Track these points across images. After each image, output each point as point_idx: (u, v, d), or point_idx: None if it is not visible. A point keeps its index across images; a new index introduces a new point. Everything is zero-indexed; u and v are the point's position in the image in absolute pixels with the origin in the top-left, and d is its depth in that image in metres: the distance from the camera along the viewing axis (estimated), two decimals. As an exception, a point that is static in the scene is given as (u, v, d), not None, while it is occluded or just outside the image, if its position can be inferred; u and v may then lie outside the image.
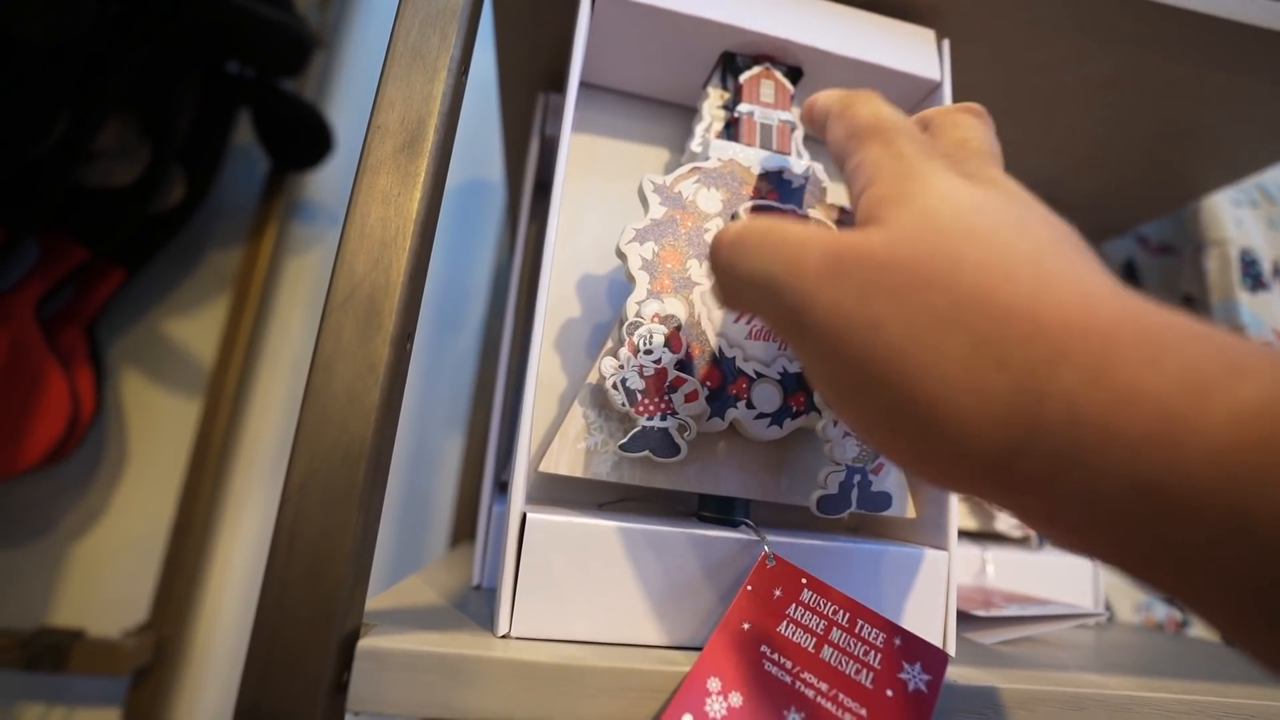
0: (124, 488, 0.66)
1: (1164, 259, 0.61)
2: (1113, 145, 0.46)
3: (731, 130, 0.33)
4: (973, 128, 0.21)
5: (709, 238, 0.29)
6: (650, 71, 0.37)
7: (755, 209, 0.30)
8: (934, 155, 0.19)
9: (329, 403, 0.22)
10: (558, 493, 0.34)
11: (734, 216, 0.30)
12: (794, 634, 0.23)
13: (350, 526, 0.21)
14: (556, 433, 0.28)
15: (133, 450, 0.67)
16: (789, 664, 0.22)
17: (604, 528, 0.25)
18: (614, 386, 0.26)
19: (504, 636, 0.24)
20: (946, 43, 0.34)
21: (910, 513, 0.30)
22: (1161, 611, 0.57)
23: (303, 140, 0.65)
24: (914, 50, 0.34)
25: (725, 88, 0.34)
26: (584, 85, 0.39)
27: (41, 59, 0.45)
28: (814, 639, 0.23)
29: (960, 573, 0.44)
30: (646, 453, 0.26)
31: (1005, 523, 0.45)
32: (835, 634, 0.23)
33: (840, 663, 0.22)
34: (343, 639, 0.21)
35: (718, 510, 0.29)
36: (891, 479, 0.29)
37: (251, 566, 0.67)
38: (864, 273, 0.17)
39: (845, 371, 0.17)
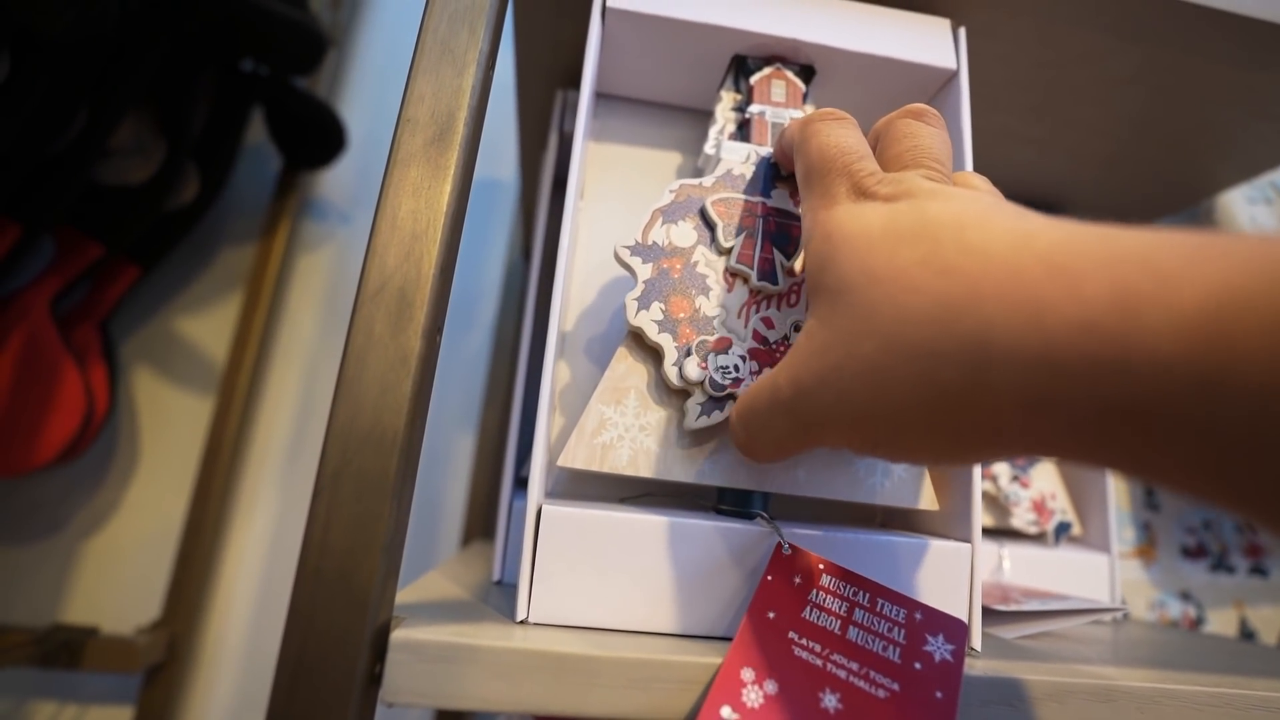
0: (137, 485, 0.66)
1: (1177, 257, 0.61)
2: (1129, 143, 0.46)
3: (744, 131, 0.33)
4: (920, 135, 0.23)
5: (702, 268, 0.29)
6: (663, 78, 0.37)
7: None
8: (851, 198, 0.21)
9: (361, 394, 0.22)
10: (582, 489, 0.34)
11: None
12: (818, 618, 0.23)
13: (384, 517, 0.21)
14: (574, 428, 0.28)
15: (145, 447, 0.67)
16: (818, 647, 0.22)
17: (616, 518, 0.25)
18: (673, 365, 0.28)
19: (521, 621, 0.24)
20: (963, 31, 0.34)
21: (932, 505, 0.30)
22: (1176, 609, 0.57)
23: (315, 138, 0.65)
24: (928, 41, 0.34)
25: (738, 90, 0.34)
26: (600, 94, 0.39)
27: (62, 55, 0.45)
28: (839, 621, 0.23)
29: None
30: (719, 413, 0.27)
31: (1021, 519, 0.45)
32: (858, 614, 0.23)
33: (867, 641, 0.22)
34: (376, 630, 0.21)
35: (735, 503, 0.29)
36: (911, 470, 0.29)
37: (264, 563, 0.67)
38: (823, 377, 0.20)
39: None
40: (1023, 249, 0.16)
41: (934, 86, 0.35)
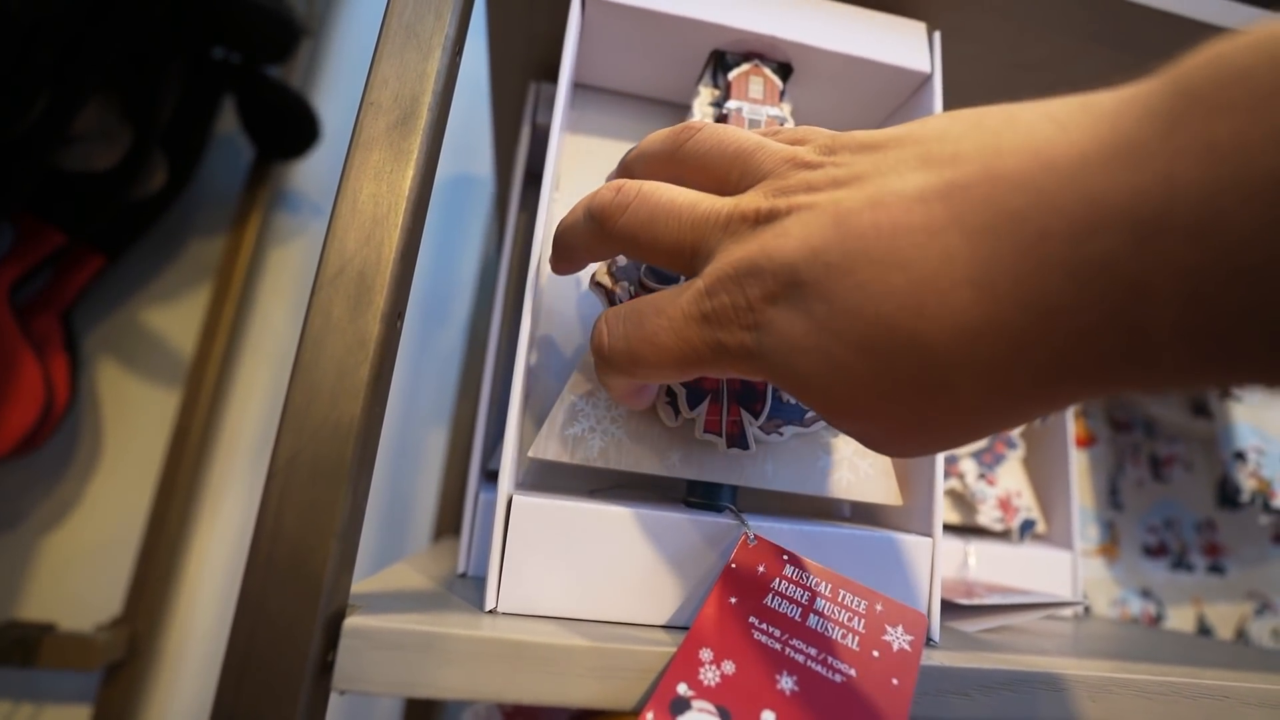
0: (99, 479, 0.65)
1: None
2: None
3: None
4: (740, 136, 0.22)
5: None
6: (642, 71, 0.37)
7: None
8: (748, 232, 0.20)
9: (318, 378, 0.22)
10: (552, 481, 0.34)
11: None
12: (780, 605, 0.23)
13: (338, 503, 0.21)
14: (545, 419, 0.28)
15: (108, 441, 0.66)
16: (778, 632, 0.22)
17: (586, 509, 0.25)
18: None
19: (491, 611, 0.24)
20: (938, 35, 0.35)
21: (896, 500, 0.30)
22: (1137, 605, 0.58)
23: (289, 129, 0.64)
24: (903, 43, 0.34)
25: (716, 85, 0.34)
26: (576, 85, 0.39)
27: (20, 37, 0.44)
28: (799, 609, 0.23)
29: (944, 566, 0.45)
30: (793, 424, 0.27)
31: (987, 516, 0.46)
32: (820, 603, 0.23)
33: (826, 629, 0.23)
34: (329, 617, 0.21)
35: (704, 496, 0.29)
36: (876, 466, 0.30)
37: (230, 561, 0.65)
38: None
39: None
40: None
41: (908, 89, 0.36)
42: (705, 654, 0.21)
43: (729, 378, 0.27)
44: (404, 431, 0.72)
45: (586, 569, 0.25)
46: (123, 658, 0.56)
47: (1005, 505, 0.47)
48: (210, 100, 0.63)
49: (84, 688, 0.59)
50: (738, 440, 0.27)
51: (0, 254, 0.55)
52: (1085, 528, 0.59)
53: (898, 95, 0.36)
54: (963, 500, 0.48)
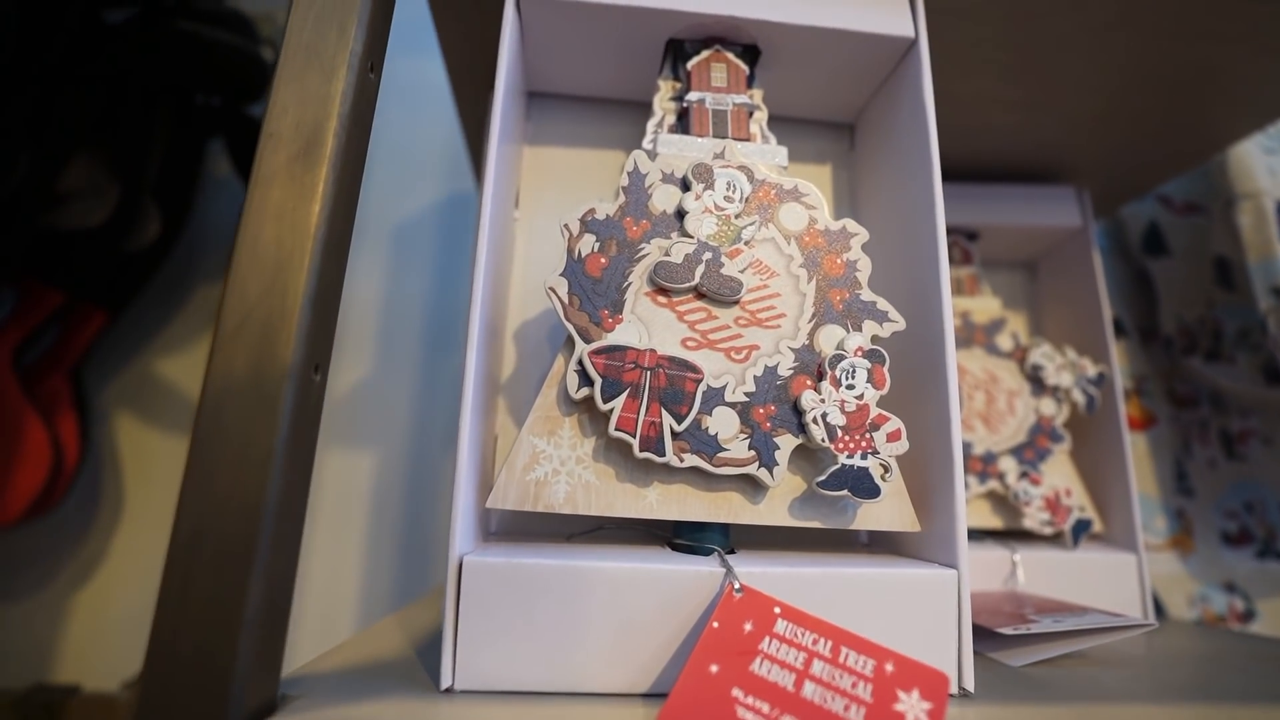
0: (122, 533, 0.65)
1: (1192, 219, 0.56)
2: (1124, 96, 0.41)
3: (684, 122, 0.30)
4: None
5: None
6: (598, 71, 0.34)
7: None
8: None
9: (220, 447, 0.19)
10: (529, 524, 0.32)
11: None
12: (770, 672, 0.20)
13: (247, 591, 0.18)
14: (504, 464, 0.25)
15: (129, 495, 0.66)
16: (766, 708, 0.19)
17: (545, 566, 0.22)
18: (814, 421, 0.24)
19: (448, 690, 0.22)
20: (920, -7, 0.31)
21: (914, 526, 0.26)
22: (1220, 602, 0.52)
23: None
24: (881, 7, 0.30)
25: (676, 77, 0.31)
26: (533, 94, 0.36)
27: (-14, 103, 0.44)
28: (794, 675, 0.20)
29: (988, 578, 0.40)
30: (845, 491, 0.24)
31: (1034, 519, 0.41)
32: (817, 666, 0.20)
33: (825, 699, 0.19)
34: (244, 717, 0.18)
35: (691, 537, 0.26)
36: (886, 488, 0.26)
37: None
38: None
39: None
40: None
41: (892, 59, 0.32)
42: (679, 740, 0.18)
43: (656, 370, 0.24)
44: (416, 461, 0.70)
45: (552, 634, 0.22)
46: (149, 714, 0.55)
47: (1054, 506, 0.42)
48: (197, 146, 0.63)
49: (118, 745, 0.58)
50: (653, 445, 0.24)
51: (2, 318, 0.55)
52: (1151, 519, 0.53)
53: (882, 67, 0.32)
54: (1005, 503, 0.43)
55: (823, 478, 0.24)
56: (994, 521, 0.43)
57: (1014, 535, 0.43)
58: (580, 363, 0.24)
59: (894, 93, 0.32)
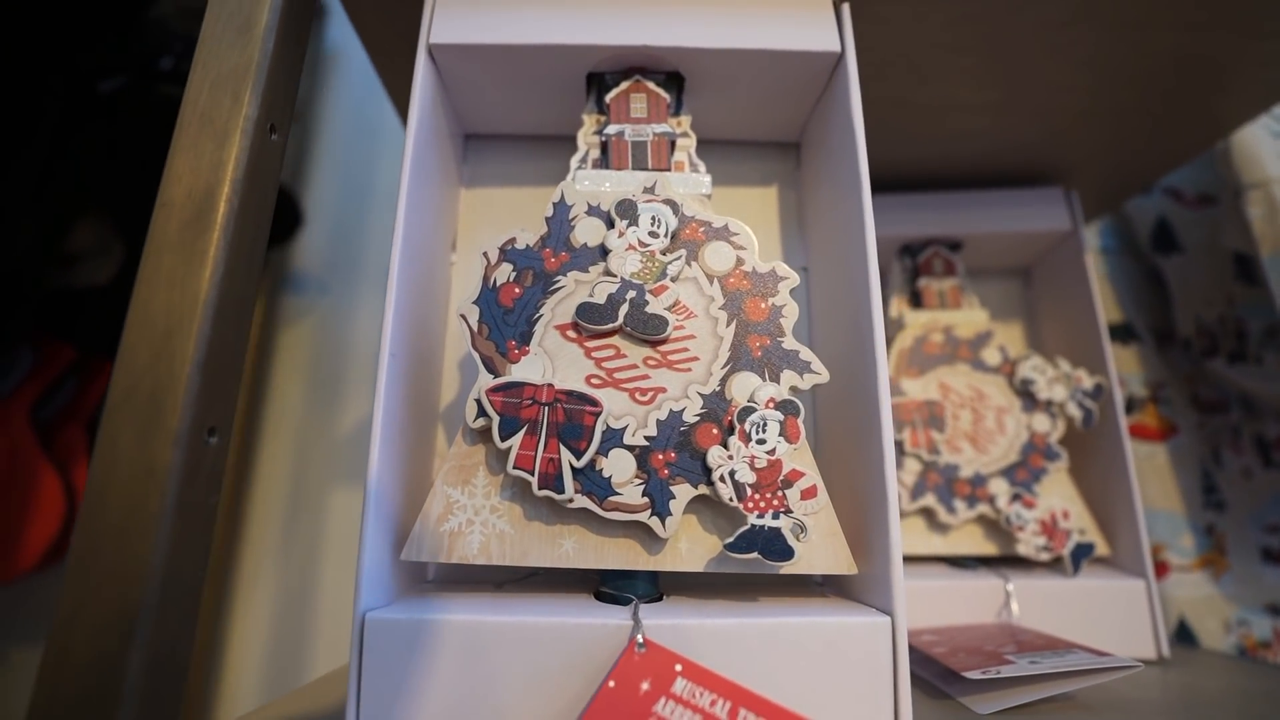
0: (142, 575, 0.67)
1: (1206, 212, 0.53)
2: (1102, 92, 0.39)
3: (607, 156, 0.30)
4: None
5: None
6: (529, 109, 0.34)
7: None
8: None
9: (106, 517, 0.19)
10: (470, 571, 0.31)
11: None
12: (663, 745, 0.19)
13: (126, 660, 0.18)
14: (420, 515, 0.25)
15: (148, 537, 0.68)
16: (654, 788, 0.18)
17: (447, 623, 0.22)
18: (722, 479, 0.23)
19: None
20: (846, 7, 0.30)
21: (850, 569, 0.25)
22: (1264, 627, 0.47)
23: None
24: (805, 24, 0.29)
25: (600, 111, 0.31)
26: (469, 136, 0.36)
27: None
28: (688, 749, 0.19)
29: (980, 610, 0.38)
30: (755, 555, 0.23)
31: (1029, 545, 0.39)
32: (715, 739, 0.19)
33: (719, 781, 0.18)
34: (119, 797, 0.18)
35: (615, 585, 0.25)
36: (817, 529, 0.24)
37: (267, 646, 0.66)
38: None
39: None
40: None
41: (824, 73, 0.31)
42: (555, 815, 0.17)
43: (554, 405, 0.24)
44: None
45: (455, 692, 0.22)
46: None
47: (1050, 529, 0.39)
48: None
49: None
50: (552, 483, 0.23)
51: (20, 375, 0.58)
52: (1177, 538, 0.49)
53: (815, 83, 0.31)
54: (997, 528, 0.40)
55: (730, 540, 0.23)
56: (987, 548, 0.41)
57: (1005, 561, 0.40)
58: (478, 399, 0.24)
59: (828, 108, 0.31)
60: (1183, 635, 0.48)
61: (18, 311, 0.54)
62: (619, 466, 0.23)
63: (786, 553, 0.23)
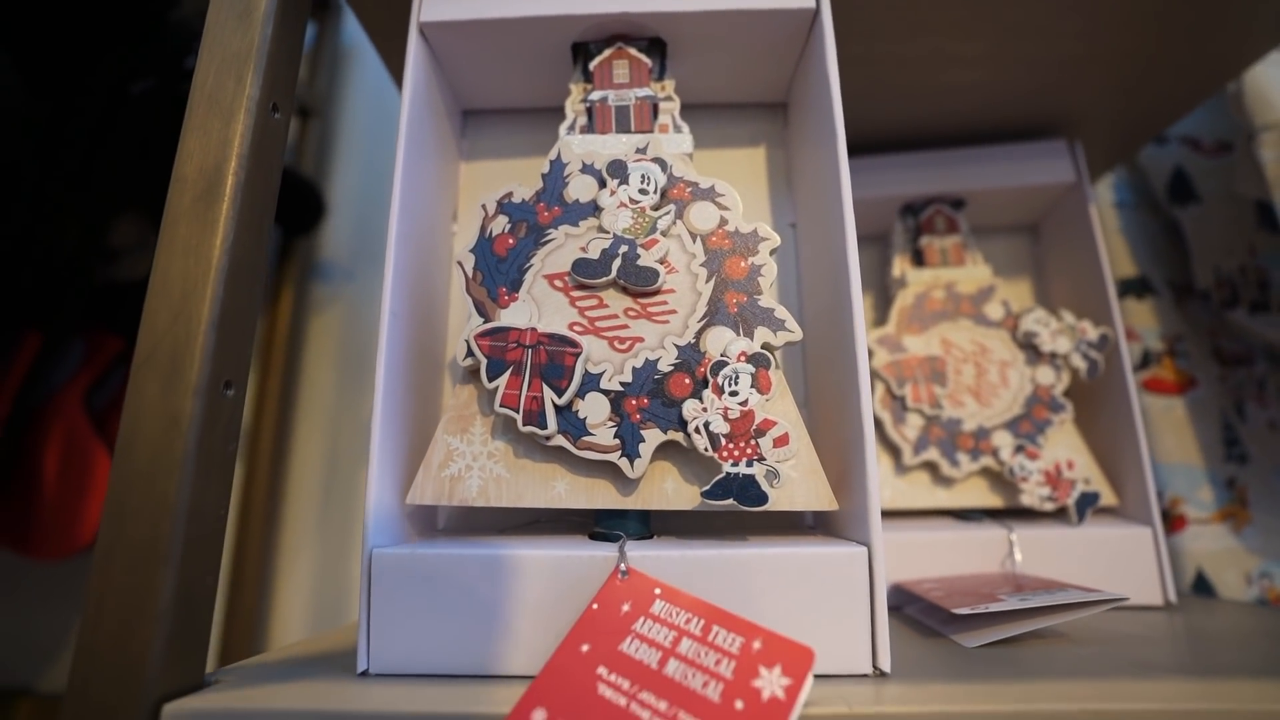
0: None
1: (1224, 160, 0.51)
2: (1098, 36, 0.38)
3: (593, 122, 0.31)
4: None
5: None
6: (522, 82, 0.35)
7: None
8: None
9: (135, 462, 0.22)
10: (478, 519, 0.33)
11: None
12: (637, 650, 0.20)
13: (158, 585, 0.21)
14: (423, 462, 0.27)
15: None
16: (626, 684, 0.19)
17: (445, 557, 0.24)
18: (697, 430, 0.25)
19: (363, 674, 0.23)
20: (819, -37, 0.30)
21: (831, 505, 0.26)
22: (1290, 580, 0.47)
23: (296, 208, 0.69)
24: (780, -18, 0.30)
25: (587, 80, 0.32)
26: (467, 112, 0.38)
27: (33, 178, 0.50)
28: (659, 653, 0.20)
29: (984, 560, 0.38)
30: (730, 501, 0.24)
31: (1033, 495, 0.39)
32: (685, 645, 0.20)
33: (686, 676, 0.19)
34: (156, 701, 0.20)
35: (607, 525, 0.27)
36: (800, 468, 0.25)
37: (307, 622, 0.70)
38: None
39: None
40: None
41: (799, 33, 0.31)
42: (538, 714, 0.19)
43: (537, 348, 0.25)
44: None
45: (454, 621, 0.23)
46: None
47: (1054, 480, 0.39)
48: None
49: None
50: (535, 419, 0.25)
51: (73, 366, 0.62)
52: (1195, 490, 0.49)
53: (795, 41, 0.32)
54: (1000, 479, 0.41)
55: (707, 488, 0.24)
56: (992, 500, 0.41)
57: (1010, 513, 0.41)
58: (468, 341, 0.26)
59: (809, 66, 0.32)
60: (1200, 587, 0.47)
61: (68, 305, 0.57)
62: (594, 409, 0.25)
63: (760, 498, 0.24)
